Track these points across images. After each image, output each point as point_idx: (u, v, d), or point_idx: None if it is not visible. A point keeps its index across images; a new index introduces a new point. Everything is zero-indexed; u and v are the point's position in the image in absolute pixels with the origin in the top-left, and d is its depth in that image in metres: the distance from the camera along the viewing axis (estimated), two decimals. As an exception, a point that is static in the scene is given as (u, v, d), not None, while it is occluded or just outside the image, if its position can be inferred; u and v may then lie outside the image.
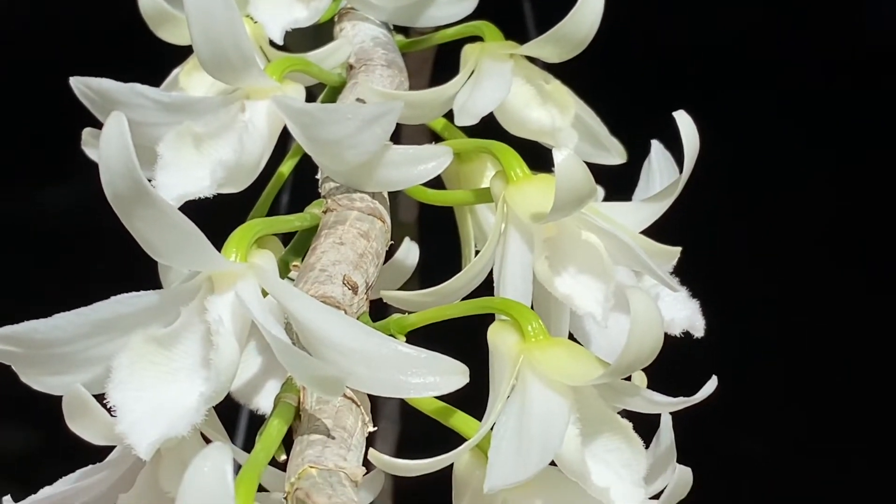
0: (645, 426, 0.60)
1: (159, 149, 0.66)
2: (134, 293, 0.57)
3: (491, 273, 0.67)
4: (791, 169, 2.02)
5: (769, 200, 2.03)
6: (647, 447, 0.59)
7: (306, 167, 0.71)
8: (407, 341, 0.61)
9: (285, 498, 0.53)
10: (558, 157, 0.61)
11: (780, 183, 2.03)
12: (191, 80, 0.79)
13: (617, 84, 1.76)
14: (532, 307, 0.64)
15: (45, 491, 0.61)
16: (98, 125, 0.66)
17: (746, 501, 1.87)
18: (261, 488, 0.55)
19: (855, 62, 2.05)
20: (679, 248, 0.69)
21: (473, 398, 0.61)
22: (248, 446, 0.57)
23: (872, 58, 2.05)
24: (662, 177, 0.74)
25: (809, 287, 1.97)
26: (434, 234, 0.85)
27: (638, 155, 0.77)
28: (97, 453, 0.62)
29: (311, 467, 0.53)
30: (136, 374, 0.56)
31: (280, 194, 0.76)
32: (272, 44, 0.79)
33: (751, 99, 2.05)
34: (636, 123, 0.81)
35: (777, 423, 1.93)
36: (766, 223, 2.01)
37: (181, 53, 0.79)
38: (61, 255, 1.91)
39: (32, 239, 1.97)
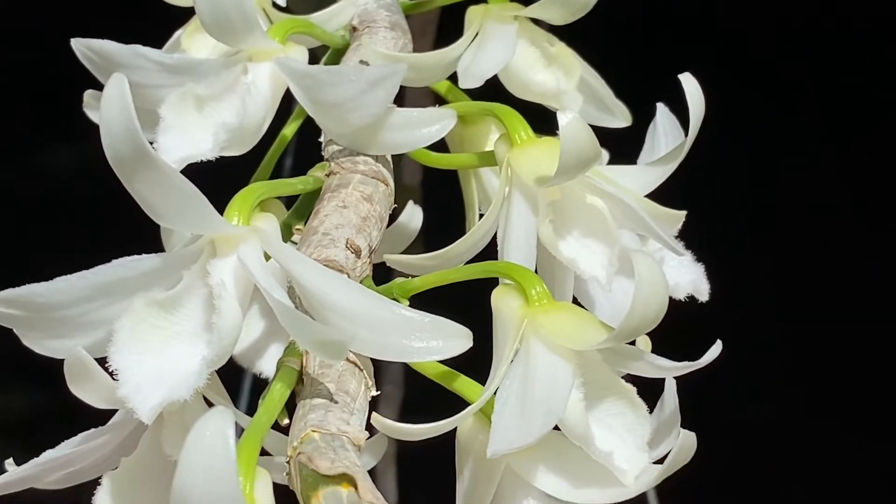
0: (649, 391, 0.60)
1: (161, 111, 0.66)
2: (136, 256, 0.57)
3: (495, 237, 0.67)
4: (797, 133, 2.01)
5: (776, 163, 2.02)
6: (650, 412, 0.59)
7: (309, 130, 0.71)
8: (410, 305, 0.60)
9: (288, 462, 0.53)
10: (563, 119, 0.61)
11: (786, 147, 2.02)
12: (193, 42, 0.78)
13: (622, 47, 1.75)
14: (536, 271, 0.63)
15: (48, 454, 0.61)
16: (100, 87, 0.65)
17: (750, 466, 1.87)
18: (263, 452, 0.55)
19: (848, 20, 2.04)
20: (684, 212, 0.69)
21: (477, 362, 0.60)
22: (251, 410, 0.57)
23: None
24: (668, 140, 0.74)
25: (815, 251, 1.97)
26: (438, 197, 0.85)
27: (643, 118, 0.77)
28: (100, 416, 0.62)
29: (314, 431, 0.53)
30: (137, 338, 0.55)
31: (283, 157, 0.75)
32: (275, 5, 0.78)
33: (757, 61, 2.04)
34: (641, 86, 0.80)
35: (781, 388, 1.94)
36: (773, 186, 2.01)
37: (183, 15, 0.79)
38: (63, 218, 1.91)
39: (34, 202, 1.96)
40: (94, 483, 0.61)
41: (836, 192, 2.02)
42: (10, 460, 0.62)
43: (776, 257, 1.98)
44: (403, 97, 0.70)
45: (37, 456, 0.61)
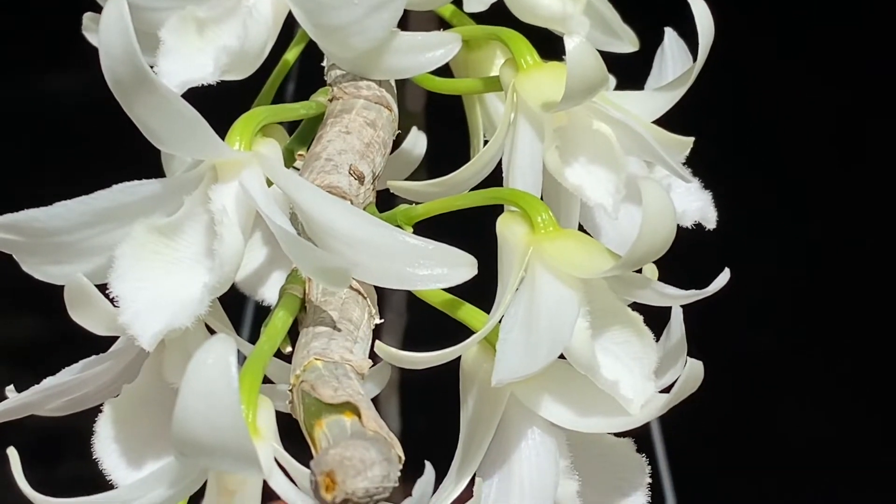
0: (655, 319, 0.59)
1: (161, 34, 0.65)
2: (136, 181, 0.57)
3: (500, 164, 0.66)
4: (805, 60, 2.00)
5: (784, 90, 2.01)
6: (657, 340, 0.59)
7: (312, 54, 0.70)
8: (414, 232, 0.60)
9: (290, 390, 0.52)
10: (570, 44, 0.60)
11: (796, 73, 2.01)
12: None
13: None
14: (541, 198, 0.63)
15: (49, 381, 0.61)
16: (99, 10, 0.64)
17: (755, 395, 1.87)
18: (266, 380, 0.55)
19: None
20: (692, 138, 0.68)
21: (481, 291, 0.60)
22: (253, 338, 0.57)
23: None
24: (676, 65, 0.73)
25: (823, 179, 1.96)
26: (442, 123, 0.84)
27: (651, 43, 0.76)
28: (101, 343, 0.62)
29: (317, 359, 0.53)
30: (138, 265, 0.55)
31: (285, 82, 0.75)
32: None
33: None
34: (649, 10, 0.79)
35: (786, 317, 1.94)
36: (782, 112, 2.00)
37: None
38: (63, 143, 1.90)
39: (34, 127, 1.96)
40: (96, 410, 0.61)
41: (844, 119, 2.01)
42: (11, 387, 0.62)
43: (784, 185, 1.97)
44: (407, 21, 0.69)
45: (38, 383, 0.61)
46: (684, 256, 0.62)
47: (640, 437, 0.60)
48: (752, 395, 1.86)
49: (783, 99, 2.01)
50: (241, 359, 0.54)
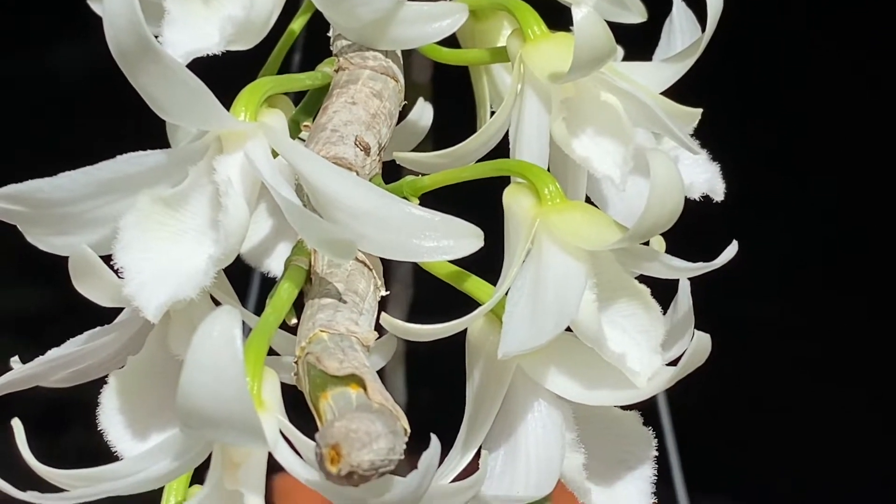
0: (663, 292, 0.59)
1: (166, 3, 0.64)
2: (140, 152, 0.56)
3: (506, 135, 0.66)
4: (815, 30, 1.99)
5: (792, 62, 2.00)
6: (664, 313, 0.58)
7: (318, 24, 0.70)
8: (420, 204, 0.59)
9: (296, 362, 0.52)
10: (577, 14, 0.59)
11: (804, 45, 2.00)
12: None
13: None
14: (548, 170, 0.62)
15: (53, 352, 0.61)
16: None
17: (762, 368, 1.87)
18: (271, 352, 0.54)
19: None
20: (700, 110, 0.68)
21: (488, 263, 0.60)
22: (259, 310, 0.57)
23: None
24: (684, 36, 0.72)
25: (832, 150, 1.96)
26: (448, 94, 0.84)
27: (659, 13, 0.75)
28: (107, 314, 0.62)
29: (322, 331, 0.52)
30: (143, 236, 0.55)
31: (291, 52, 0.74)
32: None
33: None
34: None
35: (795, 290, 1.93)
36: (791, 83, 1.99)
37: None
38: (68, 114, 1.90)
39: (39, 98, 1.95)
40: (101, 381, 0.61)
41: (853, 89, 2.00)
42: (16, 358, 0.62)
43: (793, 156, 1.96)
44: (414, -9, 0.68)
45: (42, 354, 0.61)
46: (692, 229, 0.61)
47: (646, 410, 0.60)
48: (759, 368, 1.86)
49: (793, 69, 2.00)
50: (247, 331, 0.54)
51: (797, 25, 1.98)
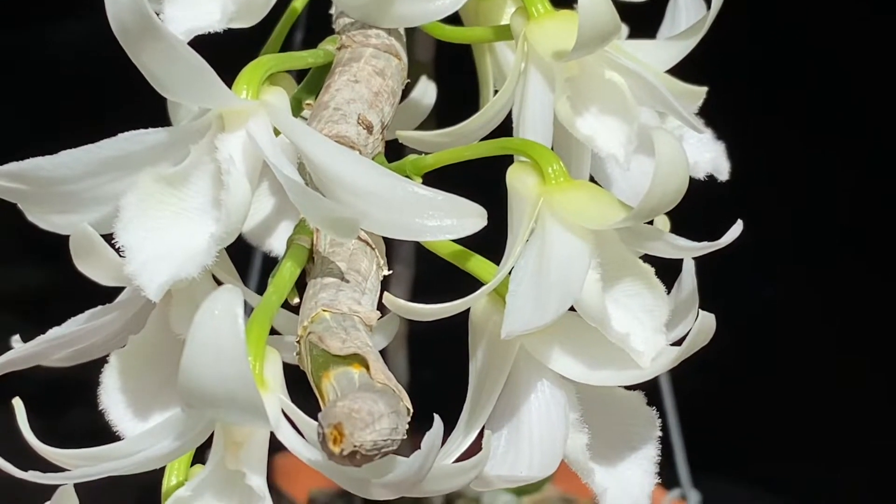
0: (667, 272, 0.59)
1: (167, -20, 0.64)
2: (142, 130, 0.56)
3: (510, 114, 0.65)
4: (820, 9, 1.98)
5: (798, 39, 1.99)
6: (668, 293, 0.58)
7: (320, 2, 0.69)
8: (423, 183, 0.59)
9: (298, 342, 0.52)
10: (582, -9, 0.59)
11: (812, 20, 1.99)
12: None
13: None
14: (552, 149, 0.62)
15: (54, 331, 0.61)
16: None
17: (766, 348, 1.87)
18: (273, 331, 0.54)
19: None
20: (704, 88, 0.67)
21: (491, 242, 0.59)
22: (261, 289, 0.56)
23: None
24: (689, 14, 0.72)
25: (838, 129, 1.95)
26: (451, 73, 0.83)
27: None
28: (108, 293, 0.61)
29: (325, 311, 0.52)
30: (144, 214, 0.54)
31: (293, 30, 0.74)
32: None
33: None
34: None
35: (800, 271, 1.93)
36: (798, 62, 1.98)
37: None
38: (69, 92, 1.89)
39: (38, 76, 1.95)
40: (102, 361, 0.61)
41: (863, 67, 1.99)
42: (17, 337, 0.62)
43: (799, 134, 1.96)
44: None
45: (43, 333, 0.61)
46: (697, 208, 0.61)
47: (649, 390, 0.60)
48: (763, 348, 1.86)
49: (797, 46, 1.99)
50: (249, 310, 0.53)
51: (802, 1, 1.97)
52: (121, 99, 1.08)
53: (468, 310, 0.60)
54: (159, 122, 0.58)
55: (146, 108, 0.66)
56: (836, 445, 1.76)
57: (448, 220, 0.55)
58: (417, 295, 0.73)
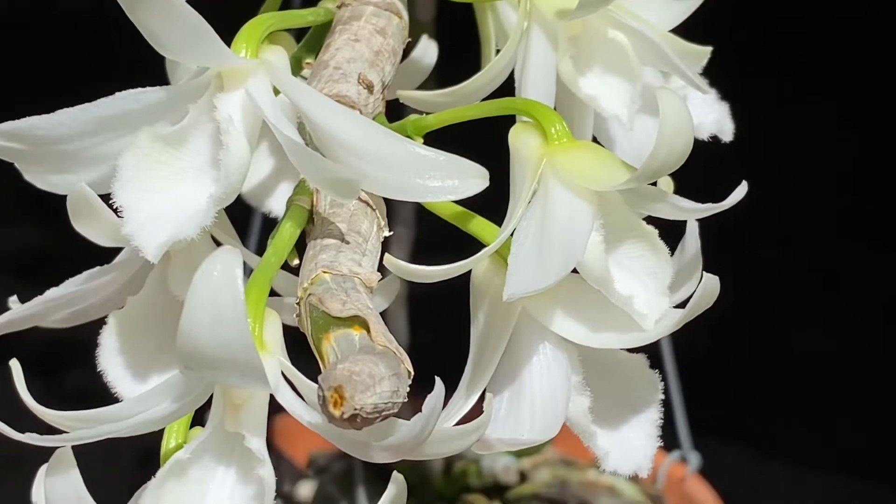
0: (671, 234, 0.58)
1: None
2: (140, 89, 0.56)
3: (512, 74, 0.65)
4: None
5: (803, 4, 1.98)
6: (672, 255, 0.58)
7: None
8: (424, 143, 0.59)
9: (298, 303, 0.52)
10: (586, -51, 0.58)
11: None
12: None
13: None
14: (555, 109, 0.61)
15: (52, 292, 0.60)
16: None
17: (769, 311, 1.87)
18: (273, 293, 0.54)
19: None
20: (709, 48, 0.67)
21: (493, 204, 0.59)
22: (260, 250, 0.56)
23: None
24: (693, -27, 0.71)
25: (842, 90, 1.94)
26: (453, 32, 0.83)
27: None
28: (106, 254, 0.61)
29: (325, 272, 0.52)
30: (143, 174, 0.54)
31: (293, -11, 0.73)
32: None
33: None
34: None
35: (804, 233, 1.92)
36: (802, 21, 1.97)
37: None
38: (67, 50, 1.89)
39: (36, 35, 1.94)
40: (101, 322, 0.61)
41: (868, 30, 1.98)
42: (14, 298, 0.62)
43: (804, 95, 1.95)
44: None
45: (41, 294, 0.60)
46: (701, 169, 0.60)
47: (650, 353, 0.60)
48: (766, 312, 1.85)
49: (804, 6, 1.98)
50: (248, 271, 0.53)
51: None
52: (119, 57, 1.07)
53: (469, 272, 0.59)
54: (158, 81, 0.58)
55: (145, 66, 0.65)
56: (837, 408, 1.76)
57: (450, 181, 0.54)
58: (418, 256, 0.73)
